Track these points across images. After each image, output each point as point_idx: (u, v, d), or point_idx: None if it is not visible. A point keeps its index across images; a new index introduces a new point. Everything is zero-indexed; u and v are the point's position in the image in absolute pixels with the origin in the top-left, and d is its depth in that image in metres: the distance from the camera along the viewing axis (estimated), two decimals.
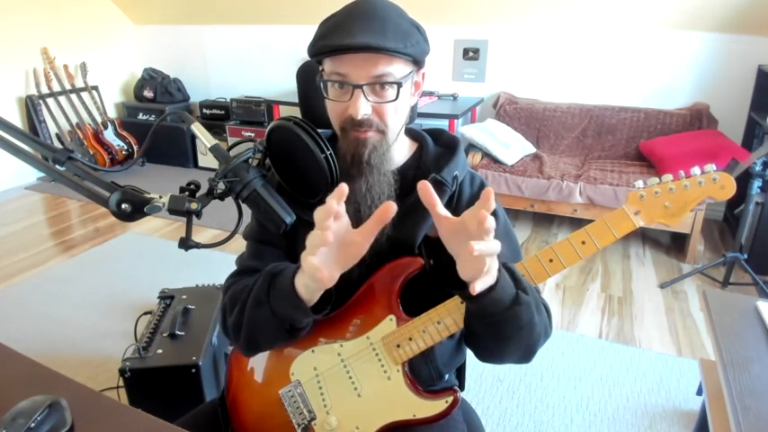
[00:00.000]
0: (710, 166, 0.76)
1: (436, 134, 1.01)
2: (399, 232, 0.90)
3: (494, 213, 0.93)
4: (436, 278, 0.94)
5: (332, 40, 0.78)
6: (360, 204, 0.88)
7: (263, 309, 0.81)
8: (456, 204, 0.93)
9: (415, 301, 0.93)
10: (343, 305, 0.91)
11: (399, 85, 0.82)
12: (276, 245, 0.97)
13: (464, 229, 0.70)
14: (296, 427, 0.88)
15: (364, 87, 0.80)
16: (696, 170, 0.77)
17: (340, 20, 0.81)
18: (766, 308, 1.16)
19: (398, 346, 0.86)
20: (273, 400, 0.91)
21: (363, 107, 0.81)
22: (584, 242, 0.79)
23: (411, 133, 0.99)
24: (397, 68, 0.81)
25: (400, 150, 0.94)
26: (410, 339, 0.86)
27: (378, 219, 0.72)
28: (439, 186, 0.90)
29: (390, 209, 0.71)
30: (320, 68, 0.86)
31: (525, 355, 0.86)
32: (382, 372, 0.86)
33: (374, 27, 0.78)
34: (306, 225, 0.89)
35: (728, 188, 0.75)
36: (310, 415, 0.88)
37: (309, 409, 0.88)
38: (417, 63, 0.86)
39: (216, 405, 1.02)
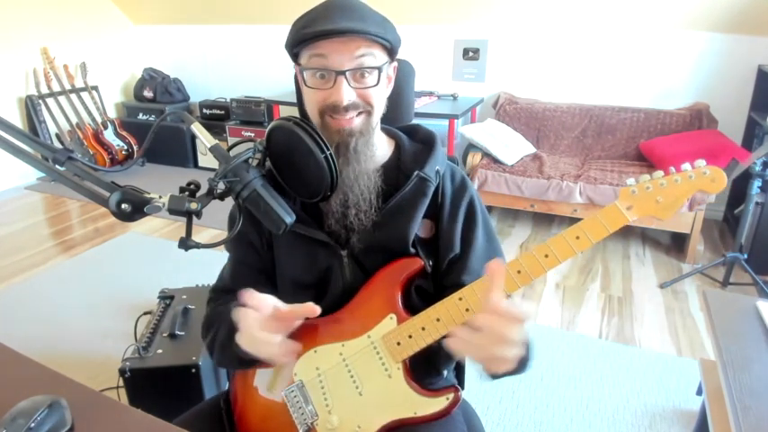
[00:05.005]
0: (701, 162, 0.78)
1: (412, 131, 1.01)
2: (387, 232, 0.90)
3: (474, 219, 0.95)
4: (434, 277, 0.94)
5: (313, 28, 0.80)
6: (348, 194, 0.89)
7: (228, 351, 0.89)
8: (441, 199, 0.94)
9: (415, 299, 0.93)
10: (345, 305, 0.92)
11: (380, 70, 0.84)
12: (251, 265, 1.00)
13: (483, 332, 0.69)
14: (298, 426, 0.88)
15: (347, 74, 0.81)
16: (687, 166, 0.79)
17: (317, 13, 0.83)
18: (766, 308, 1.16)
19: (399, 343, 0.87)
20: (276, 400, 0.91)
21: (347, 93, 0.82)
22: (578, 237, 0.81)
23: (386, 132, 1.00)
24: (376, 54, 0.83)
25: (380, 146, 0.95)
26: (410, 337, 0.86)
27: (297, 314, 0.79)
28: (424, 183, 0.91)
29: (313, 311, 0.78)
30: (297, 62, 0.87)
31: None
32: (383, 370, 0.86)
33: (353, 15, 0.81)
34: (288, 234, 0.90)
35: (719, 181, 0.77)
36: (312, 415, 0.88)
37: (312, 408, 0.88)
38: (391, 54, 0.87)
39: (217, 402, 1.03)
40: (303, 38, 0.81)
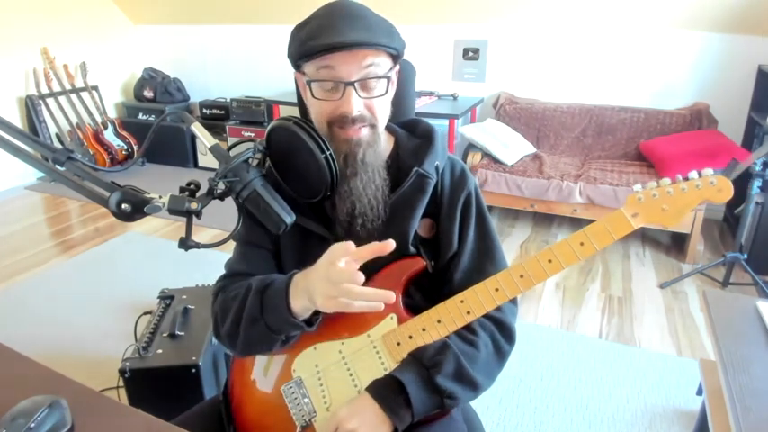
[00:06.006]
0: (708, 170, 0.77)
1: (411, 126, 1.00)
2: (391, 229, 0.90)
3: (468, 215, 0.94)
4: (437, 276, 0.94)
5: (322, 40, 0.78)
6: (356, 204, 0.88)
7: (259, 325, 0.84)
8: (440, 195, 0.93)
9: (417, 299, 0.93)
10: None
11: (388, 79, 0.84)
12: (263, 246, 0.98)
13: None
14: (296, 422, 0.88)
15: (356, 84, 0.81)
16: (694, 174, 0.78)
17: (322, 22, 0.81)
18: (766, 308, 1.16)
19: (399, 344, 0.87)
20: (275, 395, 0.91)
21: (357, 104, 0.82)
22: (582, 243, 0.80)
23: (387, 128, 0.99)
24: (382, 62, 0.83)
25: (385, 145, 0.95)
26: (410, 338, 0.86)
27: (374, 251, 0.76)
28: (423, 179, 0.91)
29: (389, 247, 0.75)
30: (300, 71, 0.86)
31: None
32: (382, 369, 0.87)
33: (359, 25, 0.80)
34: (295, 228, 0.90)
35: (725, 191, 0.77)
36: (311, 412, 0.88)
37: (310, 405, 0.88)
38: (396, 59, 0.87)
39: (218, 402, 1.02)
40: (311, 51, 0.80)
